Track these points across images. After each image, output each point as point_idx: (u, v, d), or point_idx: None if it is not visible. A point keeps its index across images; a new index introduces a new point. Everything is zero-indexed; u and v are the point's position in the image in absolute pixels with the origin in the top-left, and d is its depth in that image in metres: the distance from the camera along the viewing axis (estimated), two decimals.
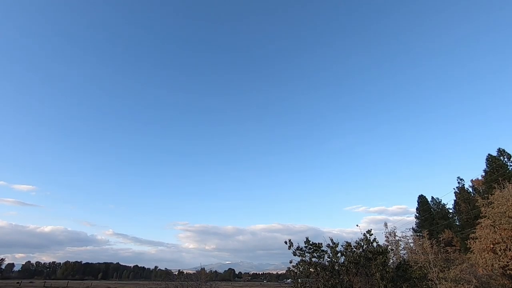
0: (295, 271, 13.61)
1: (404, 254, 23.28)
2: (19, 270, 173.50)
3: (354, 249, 13.68)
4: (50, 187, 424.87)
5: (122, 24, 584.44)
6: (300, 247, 13.87)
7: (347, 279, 12.74)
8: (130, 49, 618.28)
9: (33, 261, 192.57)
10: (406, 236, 25.67)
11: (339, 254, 13.46)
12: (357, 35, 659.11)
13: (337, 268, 13.15)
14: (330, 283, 12.39)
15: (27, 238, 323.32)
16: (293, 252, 13.82)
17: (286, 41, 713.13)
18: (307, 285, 13.03)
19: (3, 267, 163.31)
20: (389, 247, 20.99)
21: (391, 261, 18.96)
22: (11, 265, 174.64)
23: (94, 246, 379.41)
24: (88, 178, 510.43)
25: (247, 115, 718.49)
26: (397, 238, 25.66)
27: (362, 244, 13.86)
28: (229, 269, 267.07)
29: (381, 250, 13.46)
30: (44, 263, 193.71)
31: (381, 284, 12.22)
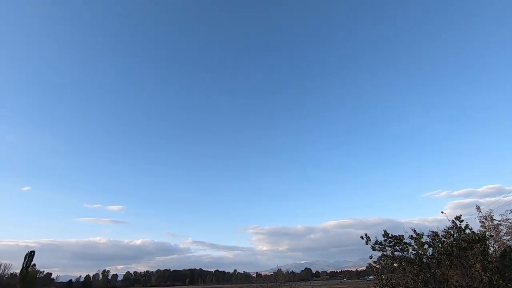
0: (377, 266, 12.72)
1: (509, 240, 19.96)
2: (121, 280, 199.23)
3: (443, 238, 12.21)
4: (135, 205, 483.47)
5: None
6: (379, 241, 12.93)
7: (440, 273, 11.41)
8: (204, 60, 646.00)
9: (131, 271, 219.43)
10: (507, 219, 21.96)
11: (425, 246, 12.16)
12: (425, 25, 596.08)
13: (425, 261, 11.89)
14: (420, 277, 11.26)
15: (123, 251, 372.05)
16: (372, 247, 12.95)
17: (349, 41, 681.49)
18: (393, 281, 12.06)
19: (109, 277, 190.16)
20: (487, 233, 18.19)
21: (492, 249, 16.41)
22: (115, 275, 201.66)
23: (178, 254, 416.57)
24: (165, 192, 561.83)
25: (306, 112, 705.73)
26: (495, 222, 22.11)
27: (452, 232, 12.29)
28: (306, 268, 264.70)
29: (477, 238, 11.74)
30: (140, 272, 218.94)
31: (484, 276, 10.63)
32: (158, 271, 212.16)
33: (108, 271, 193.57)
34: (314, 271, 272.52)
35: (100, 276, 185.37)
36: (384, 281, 12.15)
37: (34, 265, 73.11)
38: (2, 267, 69.70)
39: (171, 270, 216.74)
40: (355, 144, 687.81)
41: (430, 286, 11.22)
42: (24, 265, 70.08)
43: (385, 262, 12.48)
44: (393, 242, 12.61)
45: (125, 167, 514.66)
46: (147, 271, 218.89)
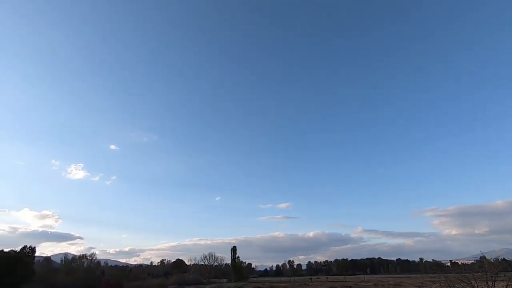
0: None
1: None
2: (305, 269, 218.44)
3: None
4: (301, 201, 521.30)
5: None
6: None
7: None
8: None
9: (312, 261, 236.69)
10: None
11: None
12: None
13: None
14: None
15: (300, 243, 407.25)
16: None
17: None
18: None
19: (294, 266, 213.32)
20: None
21: None
22: (300, 265, 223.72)
23: (352, 244, 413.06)
24: (327, 186, 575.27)
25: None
26: None
27: None
28: None
29: None
30: (320, 261, 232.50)
31: None
32: (336, 260, 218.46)
33: (293, 261, 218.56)
34: None
35: (288, 265, 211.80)
36: None
37: (238, 257, 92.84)
38: (219, 259, 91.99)
39: (348, 259, 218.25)
40: None
41: None
42: (232, 257, 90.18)
43: None
44: None
45: (289, 168, 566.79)
46: (326, 261, 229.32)
